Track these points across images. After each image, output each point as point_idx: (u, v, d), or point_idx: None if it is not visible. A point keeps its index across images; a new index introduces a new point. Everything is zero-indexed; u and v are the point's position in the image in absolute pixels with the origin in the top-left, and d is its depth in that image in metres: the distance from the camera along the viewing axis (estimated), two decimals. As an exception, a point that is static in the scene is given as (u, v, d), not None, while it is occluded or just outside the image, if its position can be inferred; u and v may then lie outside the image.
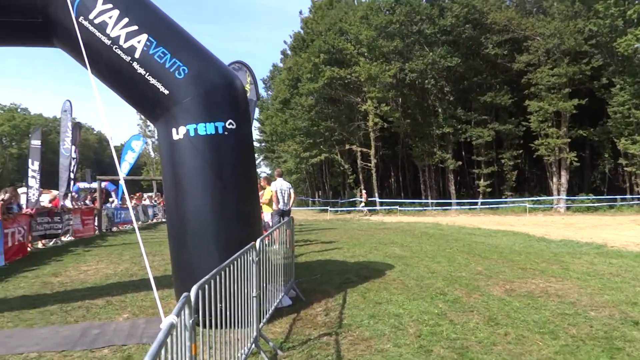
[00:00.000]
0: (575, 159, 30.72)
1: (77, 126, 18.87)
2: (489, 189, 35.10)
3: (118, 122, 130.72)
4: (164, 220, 31.91)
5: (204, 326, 3.47)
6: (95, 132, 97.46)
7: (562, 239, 13.95)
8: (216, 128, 5.66)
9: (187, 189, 5.72)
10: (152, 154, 69.36)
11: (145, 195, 34.56)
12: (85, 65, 6.09)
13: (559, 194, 31.79)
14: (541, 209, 31.21)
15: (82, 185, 26.73)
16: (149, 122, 64.22)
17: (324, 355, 4.67)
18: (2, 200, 12.48)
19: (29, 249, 13.33)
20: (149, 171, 68.36)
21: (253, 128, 6.93)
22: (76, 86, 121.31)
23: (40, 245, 14.83)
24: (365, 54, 34.21)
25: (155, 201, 33.56)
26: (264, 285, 5.08)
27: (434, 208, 34.25)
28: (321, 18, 40.04)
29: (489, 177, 35.58)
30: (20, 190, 19.30)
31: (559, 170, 31.95)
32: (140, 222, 26.85)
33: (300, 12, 43.37)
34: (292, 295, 6.79)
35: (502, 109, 34.47)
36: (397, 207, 32.23)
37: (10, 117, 78.92)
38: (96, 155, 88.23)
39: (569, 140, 30.78)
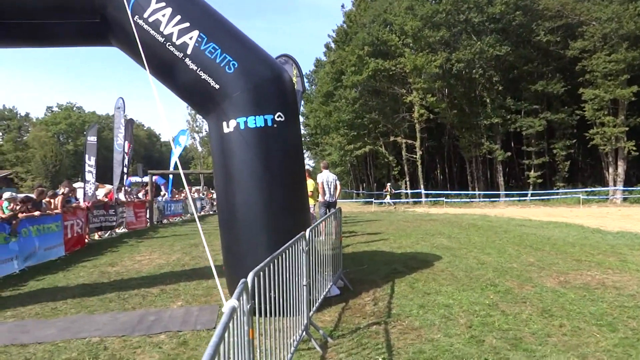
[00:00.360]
0: (634, 149, 29.25)
1: (129, 122, 19.56)
2: (539, 180, 33.98)
3: (168, 117, 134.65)
4: (211, 212, 32.77)
5: (259, 314, 3.56)
6: (145, 128, 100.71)
7: (620, 230, 13.36)
8: (265, 121, 5.76)
9: (237, 180, 5.85)
10: (199, 148, 70.98)
11: (193, 188, 35.54)
12: (140, 63, 6.34)
13: (615, 185, 30.40)
14: (595, 200, 29.95)
15: (133, 179, 27.70)
16: (197, 117, 65.81)
17: (374, 344, 4.70)
18: (62, 194, 13.15)
19: (86, 240, 13.99)
20: (197, 165, 70.07)
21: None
22: (127, 84, 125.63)
23: (96, 236, 15.53)
24: (411, 44, 33.74)
25: (203, 194, 34.43)
26: (313, 274, 5.14)
27: (482, 200, 33.50)
28: (364, 10, 39.77)
29: (540, 167, 34.43)
30: (77, 184, 20.25)
31: (616, 160, 30.53)
32: (189, 215, 27.64)
33: (342, 6, 43.03)
34: (340, 285, 6.85)
35: (554, 98, 33.18)
36: (444, 198, 31.73)
37: (67, 115, 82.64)
38: (146, 151, 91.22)
39: (626, 128, 29.33)
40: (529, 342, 4.57)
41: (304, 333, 4.64)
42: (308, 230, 4.95)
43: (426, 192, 34.90)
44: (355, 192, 47.96)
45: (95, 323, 5.87)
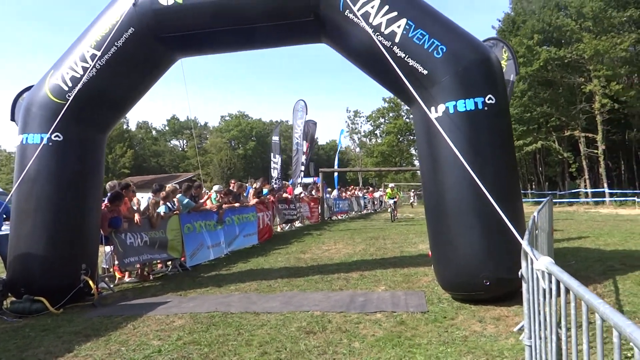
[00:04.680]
0: None
1: (309, 124, 20.76)
2: None
3: (328, 120, 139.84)
4: (372, 211, 33.36)
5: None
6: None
7: None
8: (476, 104, 5.64)
9: (446, 164, 5.80)
10: (357, 149, 72.54)
11: (357, 187, 36.54)
12: (350, 59, 6.67)
13: None
14: None
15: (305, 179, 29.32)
16: (355, 119, 67.35)
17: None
18: (254, 188, 14.46)
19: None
20: (355, 166, 71.73)
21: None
22: (283, 89, 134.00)
23: (279, 229, 16.78)
24: (591, 27, 30.45)
25: (365, 194, 35.21)
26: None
27: (684, 200, 28.68)
28: (533, -4, 36.95)
29: None
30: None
31: None
32: (354, 212, 28.49)
33: (509, -8, 40.39)
34: (551, 278, 6.40)
35: None
36: (635, 198, 27.90)
37: (237, 123, 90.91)
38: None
39: None
40: None
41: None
42: (536, 212, 4.70)
43: (610, 191, 31.09)
44: (522, 192, 44.83)
45: (311, 299, 6.31)
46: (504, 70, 8.01)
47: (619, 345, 1.45)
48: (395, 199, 22.66)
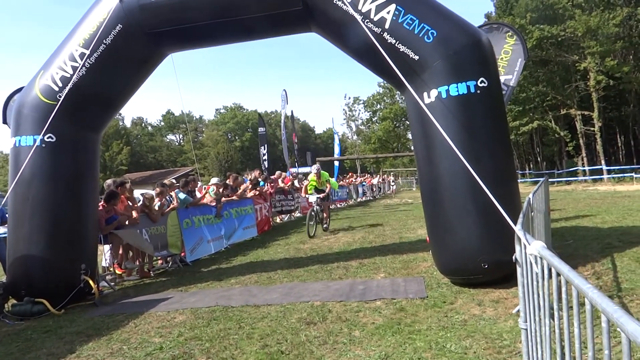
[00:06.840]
0: None
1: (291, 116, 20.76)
2: None
3: (322, 110, 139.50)
4: (370, 198, 33.40)
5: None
6: (300, 122, 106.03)
7: None
8: (468, 87, 5.61)
9: (441, 149, 5.78)
10: (354, 137, 72.39)
11: (355, 175, 36.55)
12: (340, 46, 6.63)
13: None
14: None
15: (302, 169, 29.30)
16: (352, 107, 67.23)
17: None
18: (250, 180, 14.45)
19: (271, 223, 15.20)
20: (352, 154, 71.73)
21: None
22: (280, 80, 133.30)
23: (278, 220, 16.80)
24: (582, 4, 30.29)
25: (364, 181, 35.25)
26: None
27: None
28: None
29: None
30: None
31: None
32: (352, 200, 28.52)
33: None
34: (549, 259, 6.42)
35: None
36: (633, 174, 27.96)
37: (233, 115, 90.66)
38: (302, 144, 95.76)
39: None
40: None
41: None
42: (531, 194, 4.71)
43: (608, 168, 31.12)
44: (520, 172, 44.82)
45: (311, 290, 6.33)
46: (509, 54, 7.97)
47: (607, 330, 1.46)
48: (321, 195, 12.52)
